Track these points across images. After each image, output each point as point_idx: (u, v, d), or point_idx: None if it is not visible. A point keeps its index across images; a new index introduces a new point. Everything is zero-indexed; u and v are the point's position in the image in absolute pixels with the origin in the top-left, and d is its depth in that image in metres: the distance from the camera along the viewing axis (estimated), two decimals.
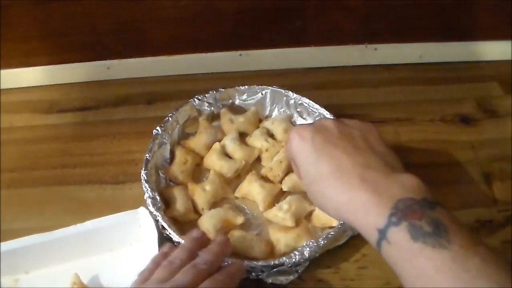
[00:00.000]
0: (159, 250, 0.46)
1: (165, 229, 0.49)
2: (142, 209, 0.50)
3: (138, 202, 0.52)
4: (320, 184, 0.40)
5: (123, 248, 0.51)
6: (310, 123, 0.47)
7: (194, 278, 0.40)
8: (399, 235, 0.33)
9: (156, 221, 0.50)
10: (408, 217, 0.34)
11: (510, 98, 0.69)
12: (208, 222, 0.51)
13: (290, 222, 0.51)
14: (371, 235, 0.36)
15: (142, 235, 0.50)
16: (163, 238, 0.49)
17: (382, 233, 0.34)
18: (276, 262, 0.46)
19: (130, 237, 0.51)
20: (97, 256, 0.50)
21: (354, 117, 0.65)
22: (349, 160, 0.39)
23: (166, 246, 0.45)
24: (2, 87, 0.70)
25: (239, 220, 0.51)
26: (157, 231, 0.49)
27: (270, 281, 0.47)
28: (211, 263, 0.42)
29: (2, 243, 0.48)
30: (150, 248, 0.47)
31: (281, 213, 0.51)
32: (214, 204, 0.54)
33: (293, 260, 0.46)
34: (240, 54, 0.71)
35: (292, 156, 0.44)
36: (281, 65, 0.73)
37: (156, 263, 0.42)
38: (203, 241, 0.45)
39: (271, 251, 0.50)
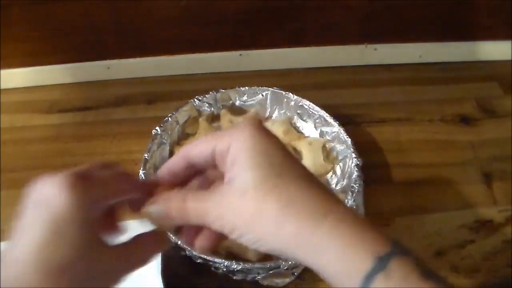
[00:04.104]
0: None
1: None
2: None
3: None
4: (283, 178, 0.28)
5: None
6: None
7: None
8: (407, 268, 0.26)
9: None
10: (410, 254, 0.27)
11: (510, 98, 0.69)
12: None
13: None
14: (358, 263, 0.26)
15: None
16: None
17: (383, 262, 0.26)
18: (273, 264, 0.46)
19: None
20: None
21: (354, 117, 0.66)
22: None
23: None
24: (2, 87, 0.70)
25: None
26: None
27: (266, 283, 0.47)
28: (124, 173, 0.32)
29: (2, 243, 0.48)
30: None
31: None
32: None
33: (290, 262, 0.46)
34: (240, 54, 0.71)
35: (242, 145, 0.29)
36: (281, 65, 0.73)
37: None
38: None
39: (266, 254, 0.50)
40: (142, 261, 0.31)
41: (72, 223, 0.27)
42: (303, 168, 0.30)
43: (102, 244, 0.29)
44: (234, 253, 0.49)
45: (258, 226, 0.28)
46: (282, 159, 0.29)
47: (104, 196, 0.30)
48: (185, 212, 0.30)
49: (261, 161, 0.28)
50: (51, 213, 0.27)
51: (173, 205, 0.31)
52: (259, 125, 0.30)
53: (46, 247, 0.27)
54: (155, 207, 0.31)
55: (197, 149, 0.31)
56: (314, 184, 0.29)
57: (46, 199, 0.28)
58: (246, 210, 0.28)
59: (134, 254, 0.31)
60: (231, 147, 0.29)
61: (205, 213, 0.29)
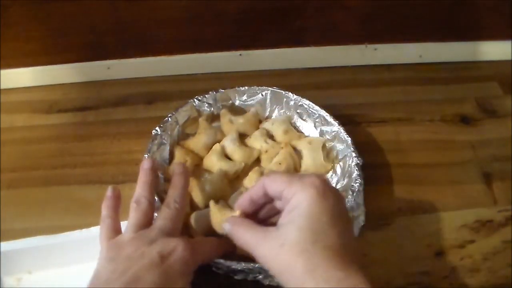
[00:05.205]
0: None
1: None
2: None
3: None
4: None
5: None
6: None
7: (174, 220, 0.42)
8: None
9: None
10: None
11: (510, 98, 0.69)
12: (195, 224, 0.51)
13: None
14: None
15: None
16: None
17: None
18: None
19: None
20: None
21: (354, 116, 0.66)
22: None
23: (109, 189, 0.45)
24: (2, 87, 0.70)
25: None
26: None
27: (267, 282, 0.47)
28: (180, 198, 0.44)
29: (6, 242, 0.48)
30: None
31: None
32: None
33: None
34: (240, 54, 0.71)
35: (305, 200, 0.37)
36: (281, 65, 0.73)
37: (111, 207, 0.44)
38: (155, 169, 0.47)
39: None
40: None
41: (183, 275, 0.39)
42: (337, 236, 0.36)
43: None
44: (244, 252, 0.49)
45: (286, 277, 0.35)
46: (323, 226, 0.36)
47: (203, 255, 0.43)
48: (241, 239, 0.39)
49: (305, 225, 0.35)
50: (171, 266, 0.38)
51: (235, 229, 0.40)
52: (322, 186, 0.37)
53: None
54: (227, 225, 0.41)
55: (273, 185, 0.39)
56: (338, 253, 0.35)
57: (174, 251, 0.39)
58: (280, 261, 0.35)
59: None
60: (293, 199, 0.37)
61: (254, 248, 0.38)
